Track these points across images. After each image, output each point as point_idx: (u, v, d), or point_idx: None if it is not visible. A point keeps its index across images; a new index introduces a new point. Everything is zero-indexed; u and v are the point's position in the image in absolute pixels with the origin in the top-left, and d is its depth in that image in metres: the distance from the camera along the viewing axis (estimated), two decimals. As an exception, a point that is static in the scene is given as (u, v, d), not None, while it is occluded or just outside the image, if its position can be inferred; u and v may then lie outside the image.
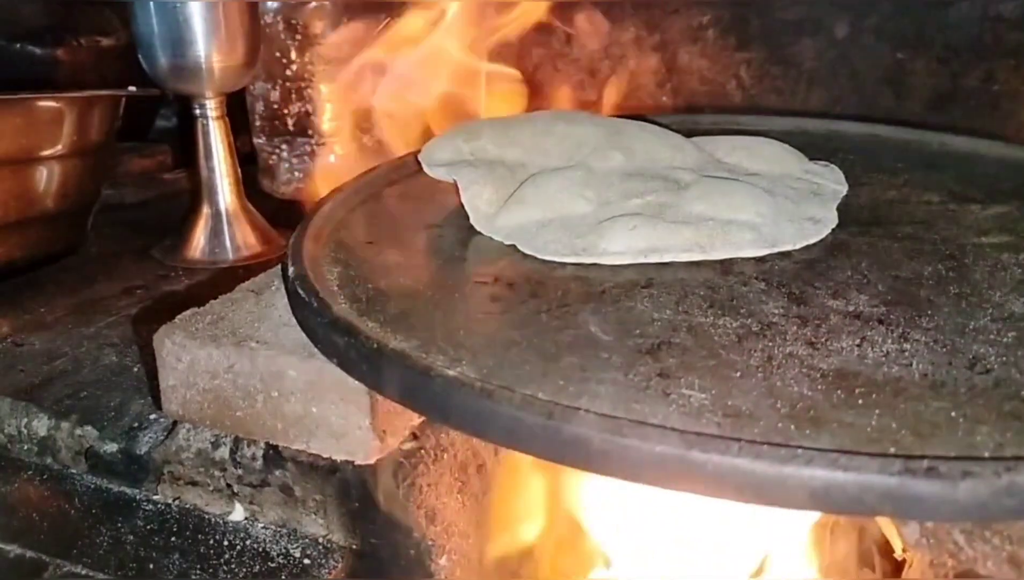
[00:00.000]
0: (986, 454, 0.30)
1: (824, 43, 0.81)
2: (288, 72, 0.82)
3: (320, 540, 0.45)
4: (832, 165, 0.59)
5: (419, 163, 0.57)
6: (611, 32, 0.86)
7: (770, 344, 0.38)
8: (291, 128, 0.84)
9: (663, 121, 0.64)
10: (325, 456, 0.43)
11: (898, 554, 0.50)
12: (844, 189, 0.56)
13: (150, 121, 1.14)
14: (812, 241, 0.49)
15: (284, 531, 0.46)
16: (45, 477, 0.51)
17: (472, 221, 0.51)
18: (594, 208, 0.51)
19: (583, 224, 0.49)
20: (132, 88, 0.75)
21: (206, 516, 0.47)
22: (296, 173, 0.86)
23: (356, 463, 0.43)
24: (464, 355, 0.37)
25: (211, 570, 0.45)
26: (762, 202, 0.50)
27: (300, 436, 0.43)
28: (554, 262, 0.46)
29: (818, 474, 0.28)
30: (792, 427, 0.32)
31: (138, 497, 0.49)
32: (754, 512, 0.49)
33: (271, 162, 0.87)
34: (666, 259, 0.46)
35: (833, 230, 0.50)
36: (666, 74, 0.87)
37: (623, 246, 0.46)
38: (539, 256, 0.47)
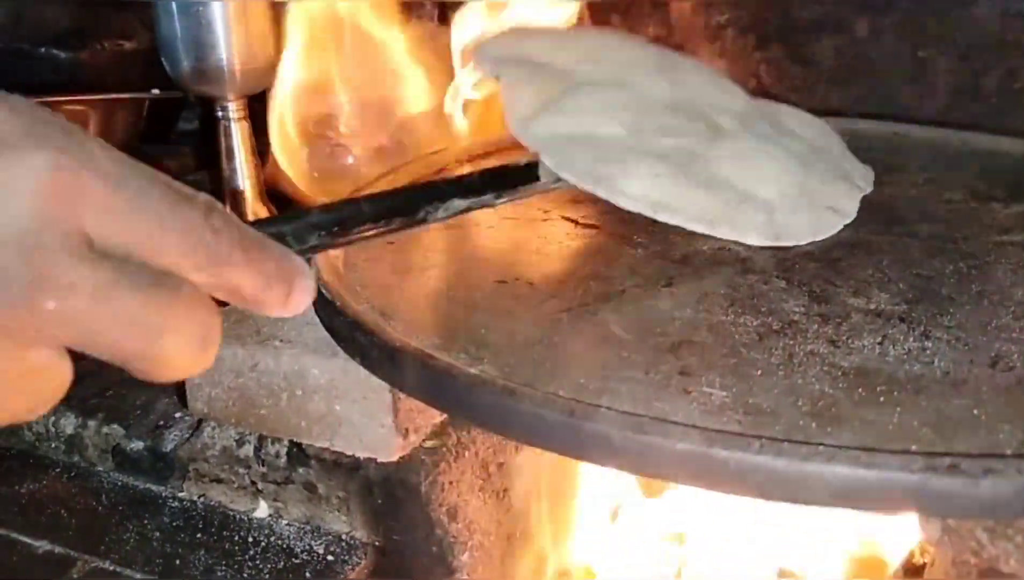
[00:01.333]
0: (1008, 451, 0.30)
1: (844, 41, 0.80)
2: (308, 74, 0.83)
3: (343, 537, 0.45)
4: (868, 166, 0.58)
5: (436, 167, 0.58)
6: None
7: (791, 342, 0.38)
8: (311, 129, 0.85)
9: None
10: (348, 454, 0.44)
11: (916, 559, 0.50)
12: (870, 188, 0.55)
13: (172, 123, 1.15)
14: (819, 238, 0.48)
15: (308, 528, 0.46)
16: (72, 475, 0.52)
17: (508, 120, 0.49)
18: (626, 133, 0.48)
19: (612, 148, 0.47)
20: (155, 91, 0.75)
21: (231, 513, 0.48)
22: (315, 174, 0.87)
23: (379, 460, 0.43)
24: (485, 353, 0.37)
25: (236, 566, 0.46)
26: (790, 177, 0.49)
27: (323, 434, 0.44)
28: (572, 257, 0.46)
29: (839, 471, 0.29)
30: (813, 425, 0.32)
31: (164, 494, 0.50)
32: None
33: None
34: (673, 221, 0.44)
35: (854, 228, 0.50)
36: (685, 73, 0.87)
37: (640, 191, 0.45)
38: (557, 173, 0.44)
